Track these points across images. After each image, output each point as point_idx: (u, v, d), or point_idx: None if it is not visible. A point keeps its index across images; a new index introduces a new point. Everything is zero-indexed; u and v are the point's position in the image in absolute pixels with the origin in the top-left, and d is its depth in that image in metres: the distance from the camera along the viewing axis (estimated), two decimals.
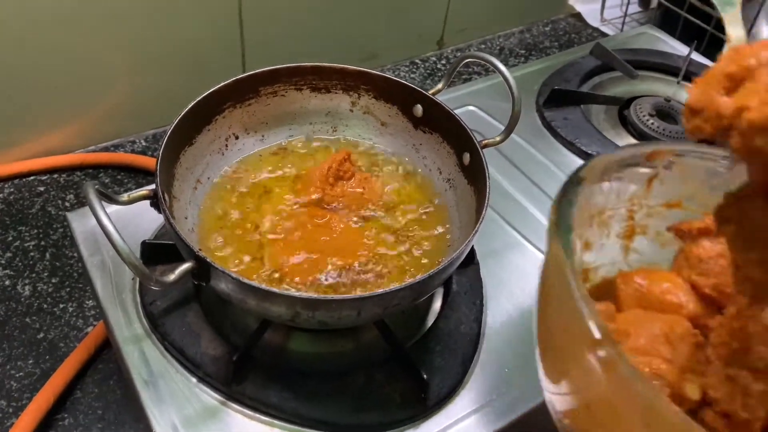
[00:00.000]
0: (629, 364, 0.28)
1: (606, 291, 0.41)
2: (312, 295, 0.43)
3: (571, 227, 0.34)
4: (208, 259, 0.40)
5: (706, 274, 0.38)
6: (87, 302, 0.65)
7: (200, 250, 0.45)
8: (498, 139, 0.51)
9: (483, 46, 1.06)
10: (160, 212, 0.44)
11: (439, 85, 0.56)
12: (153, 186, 0.45)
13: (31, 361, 0.60)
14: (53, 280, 0.67)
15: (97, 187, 0.39)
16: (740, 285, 0.33)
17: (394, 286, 0.41)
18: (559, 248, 0.32)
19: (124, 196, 0.44)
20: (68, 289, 0.66)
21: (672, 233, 0.42)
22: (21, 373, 0.59)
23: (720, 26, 0.95)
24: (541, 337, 0.37)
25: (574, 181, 0.36)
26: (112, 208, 0.51)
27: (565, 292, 0.31)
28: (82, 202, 0.74)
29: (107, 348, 0.62)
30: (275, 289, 0.40)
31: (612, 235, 0.42)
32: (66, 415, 0.57)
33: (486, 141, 0.51)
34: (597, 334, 0.29)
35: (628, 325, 0.36)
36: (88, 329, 0.63)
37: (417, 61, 1.01)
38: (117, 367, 0.60)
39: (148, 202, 0.45)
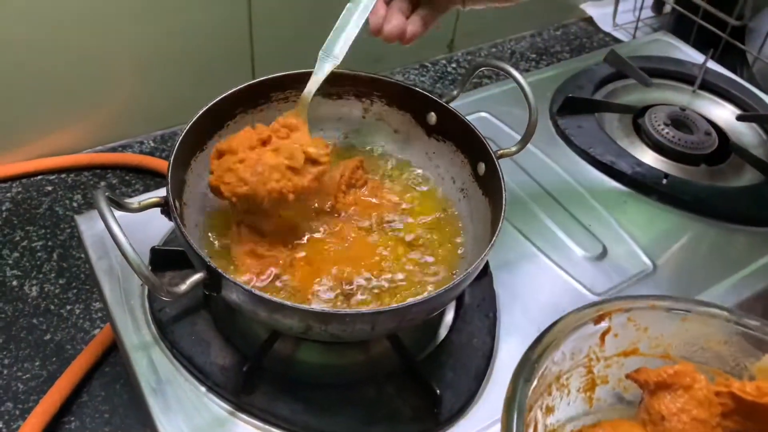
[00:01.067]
0: None
1: None
2: (325, 308, 0.43)
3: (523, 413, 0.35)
4: (219, 270, 0.39)
5: None
6: (94, 304, 0.65)
7: (211, 258, 0.45)
8: (514, 149, 0.50)
9: (494, 49, 1.05)
10: (170, 220, 0.44)
11: (454, 93, 0.55)
12: (163, 193, 0.44)
13: (38, 363, 0.60)
14: (60, 281, 0.66)
15: (107, 193, 0.39)
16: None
17: (409, 300, 0.40)
18: None
19: (135, 203, 0.43)
20: (75, 291, 0.66)
21: (631, 380, 0.42)
22: (28, 375, 0.59)
23: (735, 33, 0.94)
24: None
25: (525, 374, 0.37)
26: (120, 212, 0.51)
27: None
28: (89, 202, 0.74)
29: (114, 351, 0.61)
30: (287, 302, 0.39)
31: (572, 391, 0.42)
32: (72, 419, 0.57)
33: (502, 151, 0.50)
34: None
35: None
36: (95, 331, 0.63)
37: (427, 64, 1.00)
38: (124, 370, 0.60)
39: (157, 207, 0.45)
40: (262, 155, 0.45)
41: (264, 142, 0.46)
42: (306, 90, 0.49)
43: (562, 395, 0.41)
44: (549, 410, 0.40)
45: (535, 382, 0.37)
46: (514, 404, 0.35)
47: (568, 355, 0.40)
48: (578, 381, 0.42)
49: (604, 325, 0.41)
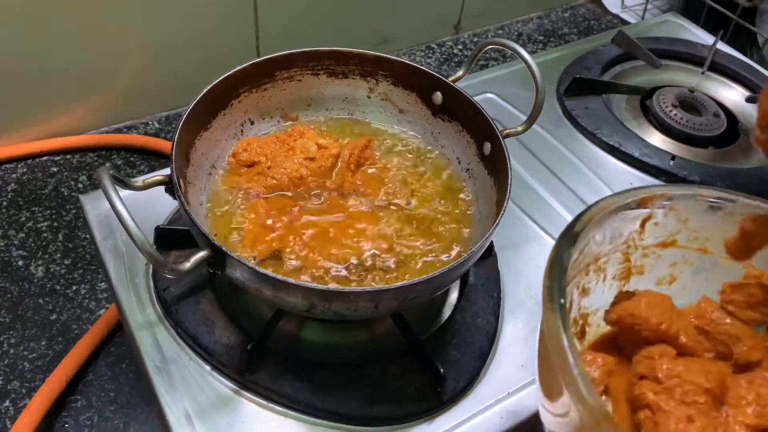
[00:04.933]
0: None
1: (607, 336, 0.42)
2: (329, 286, 0.42)
3: (563, 291, 0.35)
4: (224, 248, 0.39)
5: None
6: (99, 284, 0.65)
7: (215, 236, 0.45)
8: (520, 128, 0.50)
9: (500, 31, 1.04)
10: (175, 198, 0.44)
11: (460, 72, 0.54)
12: (168, 171, 0.44)
13: (44, 343, 0.60)
14: (66, 262, 0.67)
15: (111, 172, 0.38)
16: None
17: (413, 279, 0.40)
18: (553, 317, 0.34)
19: (139, 181, 0.43)
20: (81, 271, 0.66)
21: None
22: (34, 354, 0.59)
23: (746, 15, 0.93)
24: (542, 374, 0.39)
25: (568, 240, 0.37)
26: (125, 192, 0.51)
27: (560, 357, 0.32)
28: (94, 183, 0.74)
29: (120, 331, 0.62)
30: (291, 280, 0.39)
31: (608, 277, 0.42)
32: (79, 397, 0.57)
33: (508, 131, 0.50)
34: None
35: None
36: (100, 311, 0.63)
37: (433, 45, 0.99)
38: (129, 350, 0.60)
39: (161, 186, 0.45)
40: (285, 160, 0.51)
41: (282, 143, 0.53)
42: None
43: (599, 279, 0.41)
44: (584, 291, 0.41)
45: (575, 255, 0.37)
46: (557, 264, 0.36)
47: (608, 239, 0.40)
48: (615, 267, 0.42)
49: (645, 210, 0.40)
